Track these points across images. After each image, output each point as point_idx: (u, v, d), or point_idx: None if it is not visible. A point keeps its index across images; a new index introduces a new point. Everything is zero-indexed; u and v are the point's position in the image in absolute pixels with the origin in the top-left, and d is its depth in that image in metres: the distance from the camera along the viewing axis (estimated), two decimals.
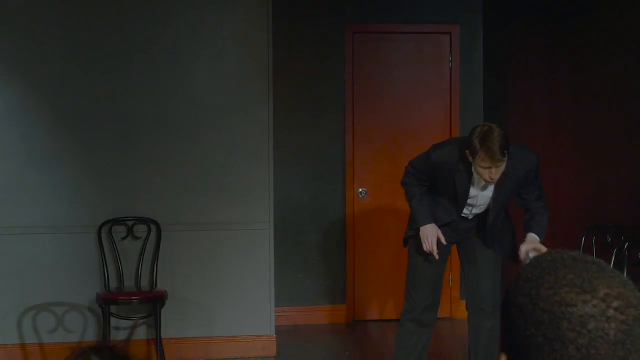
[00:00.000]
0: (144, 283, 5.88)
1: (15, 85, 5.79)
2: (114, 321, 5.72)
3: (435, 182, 4.56)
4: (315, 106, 6.99)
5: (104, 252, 5.82)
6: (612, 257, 4.83)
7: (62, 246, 5.84)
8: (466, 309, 4.75)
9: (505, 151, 4.14)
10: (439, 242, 4.57)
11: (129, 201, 5.88)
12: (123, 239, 5.89)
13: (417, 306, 4.74)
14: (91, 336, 5.86)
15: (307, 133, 6.98)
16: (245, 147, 5.98)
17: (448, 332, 6.78)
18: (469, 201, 4.49)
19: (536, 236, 4.42)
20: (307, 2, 6.97)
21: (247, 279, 6.02)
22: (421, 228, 4.59)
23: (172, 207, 5.92)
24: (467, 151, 4.22)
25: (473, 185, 4.42)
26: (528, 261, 1.24)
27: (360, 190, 7.08)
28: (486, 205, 4.51)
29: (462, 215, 4.58)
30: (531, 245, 4.35)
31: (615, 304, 1.11)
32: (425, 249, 4.57)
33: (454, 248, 4.85)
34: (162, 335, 5.69)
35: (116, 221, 5.86)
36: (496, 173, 4.21)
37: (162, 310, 5.64)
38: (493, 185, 4.39)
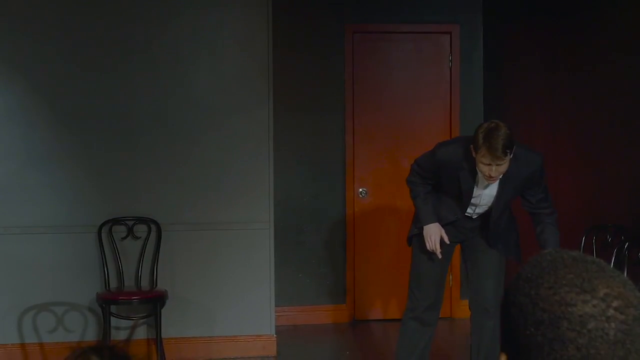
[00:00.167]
0: (144, 283, 5.88)
1: (15, 85, 5.79)
2: (114, 321, 5.73)
3: (440, 181, 4.57)
4: (315, 106, 6.99)
5: (104, 252, 5.82)
6: (612, 257, 4.83)
7: (62, 246, 5.84)
8: (469, 308, 4.75)
9: (508, 150, 4.13)
10: (442, 241, 4.58)
11: (129, 201, 5.88)
12: (123, 239, 5.89)
13: (420, 305, 4.74)
14: (91, 336, 5.86)
15: (307, 133, 6.98)
16: (245, 147, 5.98)
17: (448, 332, 6.78)
18: (472, 200, 4.49)
19: None
20: (307, 2, 6.97)
21: (247, 279, 6.02)
22: (425, 227, 4.60)
23: (172, 207, 5.93)
24: (471, 145, 4.23)
25: (477, 184, 4.43)
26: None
27: (360, 190, 7.08)
28: (490, 205, 4.51)
29: (466, 214, 4.59)
30: None
31: (615, 303, 1.11)
32: (428, 247, 4.58)
33: (458, 248, 4.86)
34: (163, 335, 5.69)
35: (116, 221, 5.86)
36: (496, 171, 4.20)
37: (162, 310, 5.64)
38: (497, 185, 4.40)
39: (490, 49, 7.10)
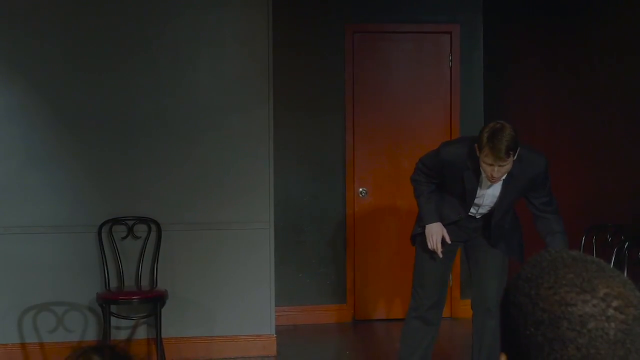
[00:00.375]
0: (144, 283, 5.88)
1: (15, 85, 5.79)
2: (114, 321, 5.73)
3: (444, 180, 4.57)
4: (315, 106, 6.98)
5: (104, 252, 5.82)
6: (612, 257, 4.82)
7: (62, 246, 5.84)
8: (471, 308, 4.75)
9: (511, 152, 4.13)
10: (444, 241, 4.58)
11: (129, 201, 5.89)
12: (123, 238, 5.89)
13: (423, 304, 4.74)
14: (91, 336, 5.86)
15: (307, 133, 6.98)
16: (245, 147, 5.98)
17: (449, 331, 6.78)
18: (476, 200, 4.49)
19: None
20: (307, 2, 6.97)
21: (247, 279, 6.02)
22: (427, 226, 4.60)
23: (172, 207, 5.93)
24: (476, 145, 4.23)
25: (481, 184, 4.43)
26: None
27: (360, 190, 7.08)
28: (493, 205, 4.51)
29: (469, 214, 4.59)
30: None
31: (615, 303, 1.11)
32: (429, 247, 4.58)
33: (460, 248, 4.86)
34: (163, 335, 5.69)
35: (116, 221, 5.86)
36: (499, 172, 4.21)
37: (163, 310, 5.65)
38: (500, 186, 4.40)
39: (490, 49, 7.10)
